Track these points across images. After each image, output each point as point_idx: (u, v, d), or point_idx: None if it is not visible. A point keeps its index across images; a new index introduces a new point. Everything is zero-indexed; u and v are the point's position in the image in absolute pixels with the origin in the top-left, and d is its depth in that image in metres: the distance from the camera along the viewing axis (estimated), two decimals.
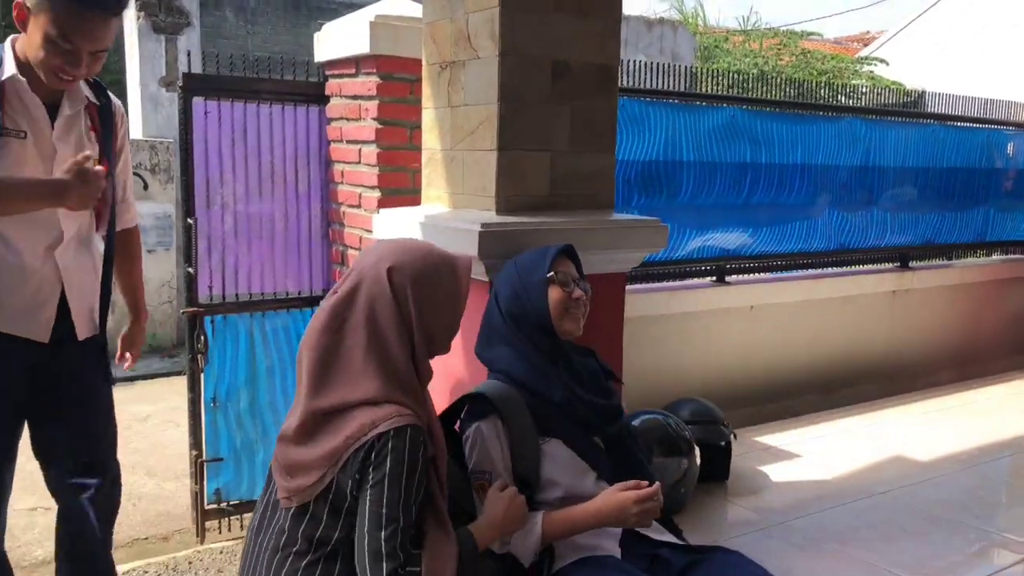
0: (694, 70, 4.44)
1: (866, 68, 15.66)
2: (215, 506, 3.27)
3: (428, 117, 2.81)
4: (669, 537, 2.07)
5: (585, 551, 1.93)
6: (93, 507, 2.17)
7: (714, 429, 3.23)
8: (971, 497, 3.21)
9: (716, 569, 1.90)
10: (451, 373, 2.51)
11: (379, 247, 1.79)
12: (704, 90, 4.40)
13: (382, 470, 1.58)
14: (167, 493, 4.05)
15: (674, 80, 4.16)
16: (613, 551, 1.96)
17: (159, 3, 7.16)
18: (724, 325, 4.24)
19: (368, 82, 3.10)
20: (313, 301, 3.32)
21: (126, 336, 2.49)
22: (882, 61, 15.26)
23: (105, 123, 2.15)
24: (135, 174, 6.61)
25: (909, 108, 5.85)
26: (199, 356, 3.13)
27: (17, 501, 2.32)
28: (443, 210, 2.72)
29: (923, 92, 6.12)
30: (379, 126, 3.08)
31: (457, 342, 1.89)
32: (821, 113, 4.68)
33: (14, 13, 1.91)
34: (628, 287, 3.96)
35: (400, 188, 3.11)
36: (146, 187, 7.18)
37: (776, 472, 3.42)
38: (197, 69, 3.22)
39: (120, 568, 2.59)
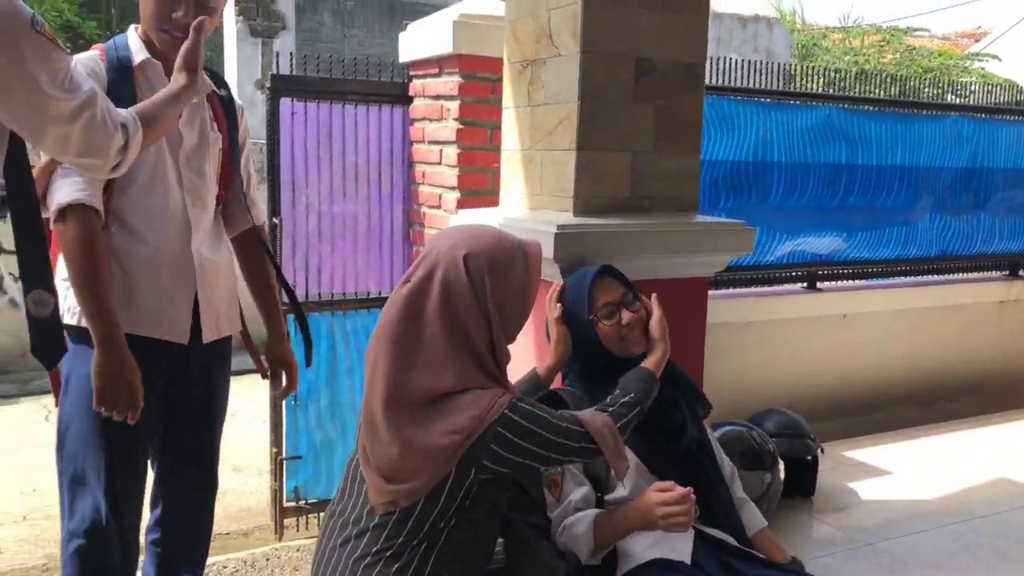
0: (790, 68, 4.29)
1: (976, 65, 14.92)
2: (294, 504, 3.32)
3: (508, 117, 2.78)
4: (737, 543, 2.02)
5: (655, 553, 1.90)
6: (197, 508, 2.20)
7: (800, 442, 3.10)
8: None
9: None
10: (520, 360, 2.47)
11: (451, 234, 1.77)
12: (800, 88, 4.24)
13: (522, 448, 1.60)
14: (251, 489, 4.14)
15: (768, 78, 4.02)
16: (684, 555, 1.91)
17: (256, 7, 7.38)
18: (814, 334, 4.06)
19: (450, 82, 3.10)
20: None
21: (273, 356, 2.29)
22: (994, 57, 14.50)
23: (228, 113, 2.13)
24: None
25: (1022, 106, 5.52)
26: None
27: None
28: (521, 211, 2.69)
29: None
30: (460, 126, 3.07)
31: (528, 330, 1.88)
32: (923, 111, 4.44)
33: None
34: (714, 293, 3.87)
35: (480, 189, 3.09)
36: None
37: (866, 489, 3.25)
38: (291, 70, 3.25)
39: None
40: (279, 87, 3.14)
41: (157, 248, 1.96)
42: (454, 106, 3.07)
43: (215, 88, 2.08)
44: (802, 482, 3.10)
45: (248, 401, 5.47)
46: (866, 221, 4.27)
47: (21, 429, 4.72)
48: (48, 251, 1.68)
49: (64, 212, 1.78)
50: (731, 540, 2.03)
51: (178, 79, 1.75)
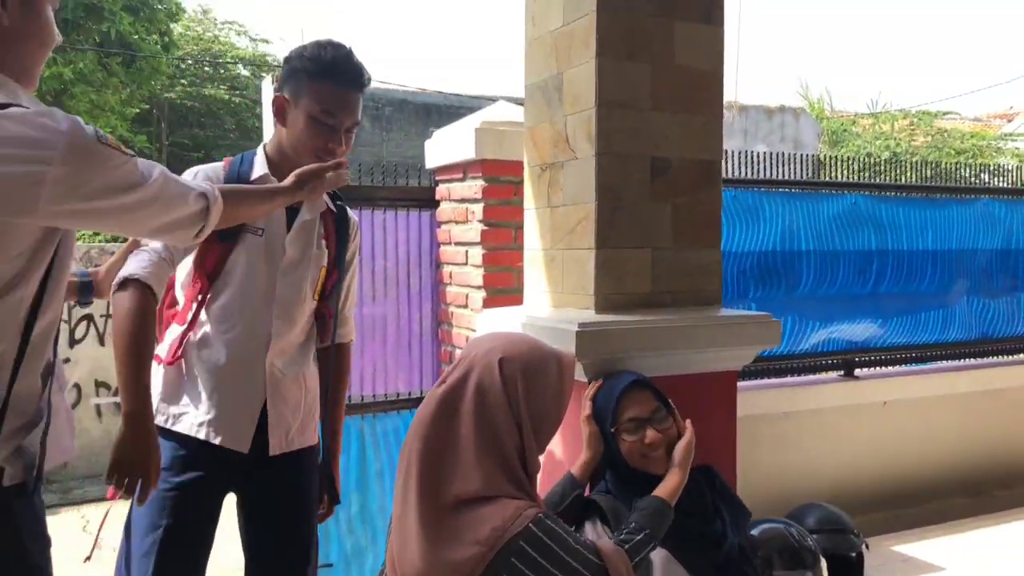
0: (820, 156, 4.34)
1: (1011, 145, 14.89)
2: None
3: (530, 217, 2.84)
4: None
5: None
6: None
7: (843, 538, 2.99)
8: None
9: None
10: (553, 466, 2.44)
11: (488, 339, 1.81)
12: (831, 176, 4.27)
13: (540, 567, 1.58)
14: None
15: (796, 168, 4.06)
16: None
17: None
18: (854, 422, 3.98)
19: (474, 186, 3.18)
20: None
21: (323, 473, 2.24)
22: None
23: (340, 230, 2.18)
24: None
25: None
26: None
27: None
28: (544, 309, 2.71)
29: None
30: (485, 227, 3.13)
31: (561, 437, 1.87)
32: (953, 195, 4.44)
33: (273, 108, 2.06)
34: (748, 383, 3.83)
35: (506, 288, 3.14)
36: None
37: None
38: None
39: None
40: None
41: (230, 356, 2.00)
42: (478, 208, 3.15)
43: (330, 206, 2.16)
44: None
45: None
46: (901, 306, 4.23)
47: (59, 540, 4.73)
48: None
49: (123, 284, 1.84)
50: None
51: (286, 181, 1.87)
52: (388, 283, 3.39)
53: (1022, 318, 4.63)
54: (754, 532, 2.81)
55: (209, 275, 2.00)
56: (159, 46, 12.84)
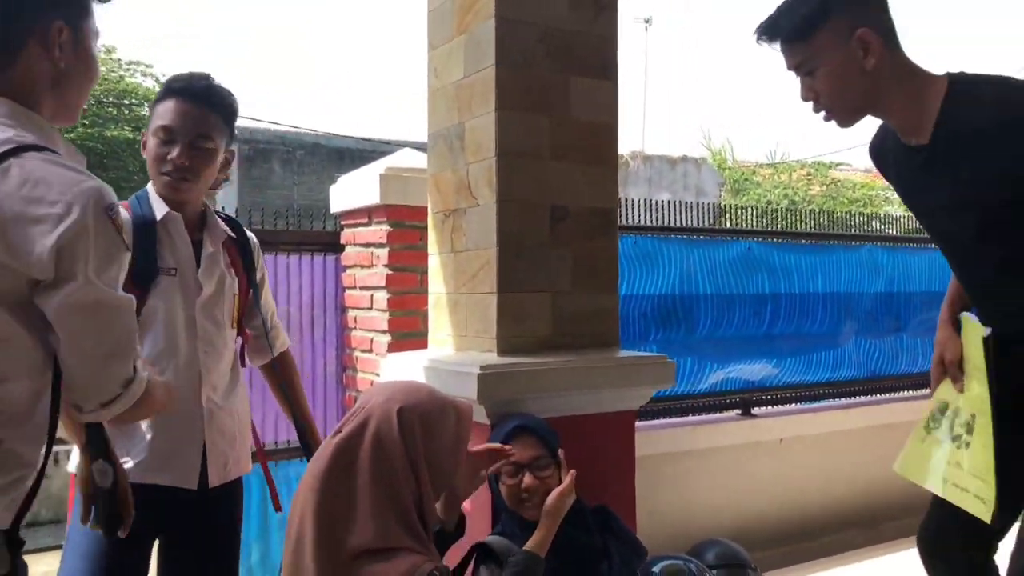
0: (721, 204, 4.53)
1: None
2: None
3: (434, 262, 2.89)
4: None
5: None
6: None
7: (740, 572, 3.07)
8: None
9: None
10: None
11: (386, 388, 1.81)
12: (733, 224, 4.46)
13: None
14: None
15: (696, 216, 4.23)
16: None
17: None
18: (752, 459, 4.11)
19: (379, 230, 3.21)
20: None
21: None
22: None
23: (245, 256, 2.21)
24: None
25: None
26: None
27: None
28: (448, 352, 2.75)
29: None
30: (390, 272, 3.16)
31: None
32: (839, 242, 4.70)
33: (142, 148, 2.08)
34: (650, 423, 3.92)
35: (411, 331, 3.16)
36: None
37: None
38: None
39: None
40: None
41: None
42: (383, 253, 3.18)
43: (229, 232, 2.17)
44: None
45: None
46: (794, 347, 4.42)
47: None
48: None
49: None
50: None
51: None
52: (292, 328, 3.36)
53: (905, 357, 4.89)
54: (655, 569, 2.86)
55: None
56: None
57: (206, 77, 2.10)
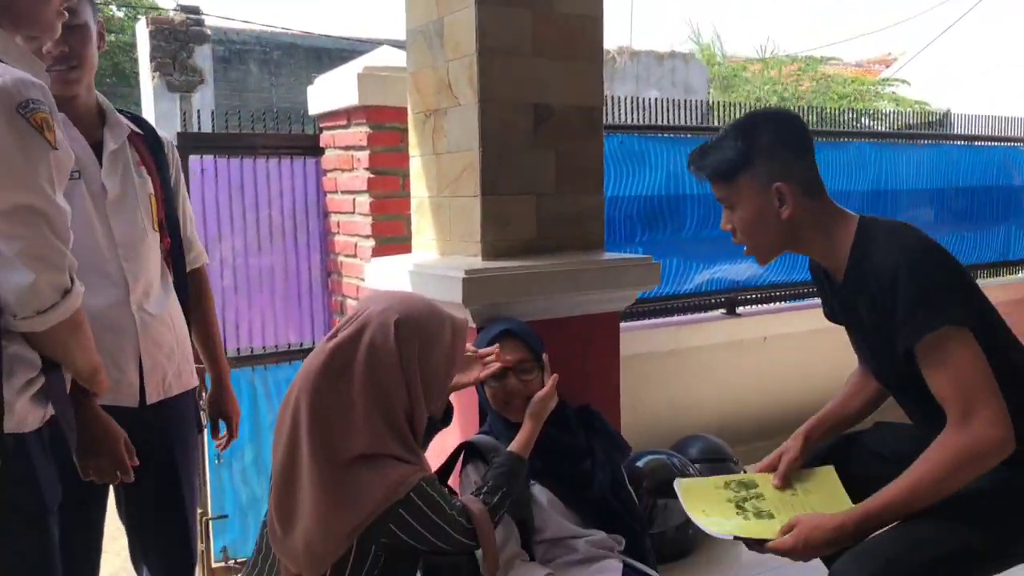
0: (710, 102, 4.44)
1: (888, 89, 15.56)
2: (223, 564, 3.26)
3: (415, 165, 2.83)
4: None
5: None
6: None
7: (723, 467, 3.16)
8: None
9: None
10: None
11: (385, 297, 1.82)
12: (721, 122, 4.38)
13: (414, 530, 1.64)
14: None
15: (684, 114, 4.14)
16: None
17: (173, 62, 7.35)
18: (737, 358, 4.17)
19: (359, 133, 3.13)
20: None
21: (213, 402, 2.20)
22: (903, 82, 15.15)
23: (156, 154, 2.02)
24: None
25: (933, 127, 5.79)
26: (201, 413, 3.13)
27: None
28: (432, 257, 2.73)
29: (947, 112, 6.04)
30: (371, 175, 3.10)
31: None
32: (828, 139, 4.64)
33: None
34: (636, 323, 3.95)
35: (395, 236, 3.12)
36: None
37: None
38: (208, 126, 3.23)
39: None
40: (187, 145, 3.13)
41: (94, 312, 1.76)
42: (364, 156, 3.11)
43: (135, 128, 1.99)
44: None
45: None
46: None
47: None
48: None
49: None
50: (654, 574, 2.08)
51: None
52: (275, 233, 3.32)
53: None
54: (639, 464, 2.95)
55: None
56: None
57: None
